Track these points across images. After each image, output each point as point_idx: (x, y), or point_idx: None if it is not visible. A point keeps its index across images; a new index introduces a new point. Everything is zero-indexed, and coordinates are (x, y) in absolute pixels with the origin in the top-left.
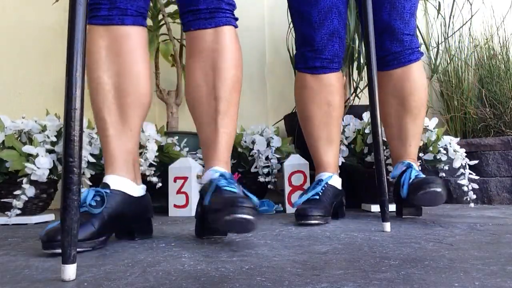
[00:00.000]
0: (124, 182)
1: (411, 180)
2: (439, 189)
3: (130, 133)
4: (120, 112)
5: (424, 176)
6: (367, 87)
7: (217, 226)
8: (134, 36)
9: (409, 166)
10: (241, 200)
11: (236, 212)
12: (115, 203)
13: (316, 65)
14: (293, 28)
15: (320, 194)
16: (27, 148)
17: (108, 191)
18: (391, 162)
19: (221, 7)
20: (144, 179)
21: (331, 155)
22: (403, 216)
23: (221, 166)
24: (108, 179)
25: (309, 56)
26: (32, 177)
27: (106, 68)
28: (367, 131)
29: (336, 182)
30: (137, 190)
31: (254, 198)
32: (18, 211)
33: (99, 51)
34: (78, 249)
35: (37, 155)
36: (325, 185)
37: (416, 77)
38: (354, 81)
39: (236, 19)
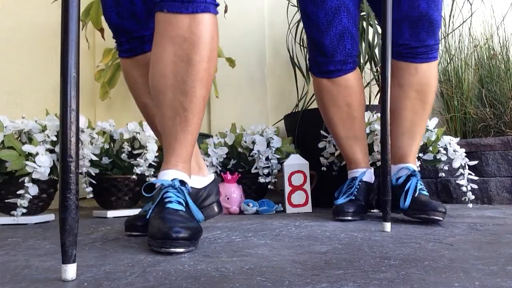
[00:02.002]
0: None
1: (416, 194)
2: (441, 218)
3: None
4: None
5: (427, 195)
6: (367, 87)
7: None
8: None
9: (414, 174)
10: (177, 229)
11: (166, 246)
12: None
13: (329, 69)
14: (294, 28)
15: (356, 193)
16: (27, 147)
17: None
18: (391, 159)
19: None
20: (142, 178)
21: (359, 152)
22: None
23: (179, 169)
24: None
25: (321, 61)
26: (34, 176)
27: (145, 92)
28: (367, 131)
29: (369, 177)
30: (200, 182)
31: (199, 215)
32: (24, 210)
33: (136, 81)
34: None
35: (37, 154)
36: (359, 184)
37: (436, 75)
38: None
39: (217, 5)
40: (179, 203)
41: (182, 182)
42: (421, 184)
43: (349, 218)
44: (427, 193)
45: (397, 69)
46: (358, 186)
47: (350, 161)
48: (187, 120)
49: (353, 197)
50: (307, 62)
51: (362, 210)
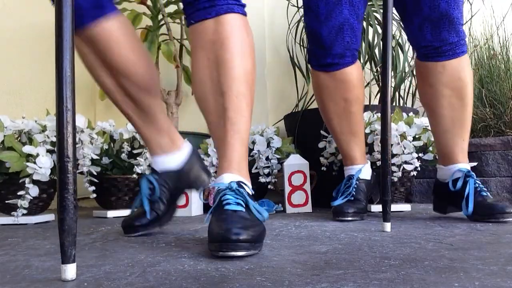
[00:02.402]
0: (165, 160)
1: (478, 197)
2: (510, 219)
3: (150, 116)
4: (133, 102)
5: (488, 195)
6: (367, 87)
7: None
8: (109, 30)
9: (469, 175)
10: (236, 231)
11: (224, 249)
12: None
13: (327, 62)
14: (294, 28)
15: (354, 193)
16: (28, 148)
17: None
18: (439, 157)
19: None
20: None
21: (357, 148)
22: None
23: (232, 172)
24: (154, 161)
25: (319, 53)
26: (35, 177)
27: (100, 70)
28: (367, 131)
29: (366, 174)
30: (178, 159)
31: (264, 214)
32: (24, 211)
33: (88, 58)
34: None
35: (37, 155)
36: (357, 182)
37: (469, 67)
38: None
39: (242, 5)
40: (238, 204)
41: (240, 184)
42: (479, 185)
43: (349, 218)
44: (487, 193)
45: (425, 70)
46: (356, 185)
47: (346, 157)
48: (230, 119)
49: (352, 198)
50: (307, 60)
51: (362, 210)
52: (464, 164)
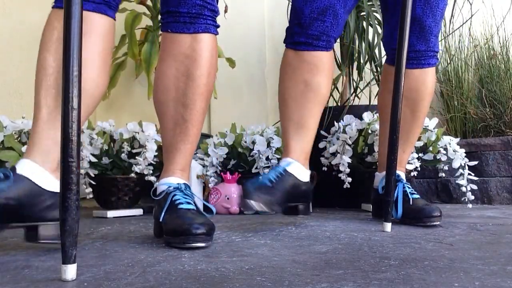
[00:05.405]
0: (36, 170)
1: (408, 200)
2: (437, 223)
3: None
4: (59, 97)
5: (419, 199)
6: (367, 87)
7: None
8: (90, 22)
9: (399, 180)
10: (196, 226)
11: (189, 241)
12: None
13: (300, 40)
14: None
15: (274, 181)
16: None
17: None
18: (378, 165)
19: (203, 13)
20: (142, 178)
21: (300, 141)
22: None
23: (178, 176)
24: (19, 162)
25: (296, 31)
26: None
27: (54, 50)
28: (369, 131)
29: (297, 170)
30: (52, 183)
31: (212, 208)
32: None
33: (52, 32)
34: None
35: None
36: (282, 172)
37: (431, 82)
38: (354, 81)
39: (217, 26)
40: (188, 203)
41: (187, 185)
42: (409, 188)
43: (257, 209)
44: (418, 195)
45: (389, 74)
46: (279, 175)
47: (285, 149)
48: (187, 130)
49: (270, 184)
50: (283, 40)
51: (274, 202)
52: (399, 169)
